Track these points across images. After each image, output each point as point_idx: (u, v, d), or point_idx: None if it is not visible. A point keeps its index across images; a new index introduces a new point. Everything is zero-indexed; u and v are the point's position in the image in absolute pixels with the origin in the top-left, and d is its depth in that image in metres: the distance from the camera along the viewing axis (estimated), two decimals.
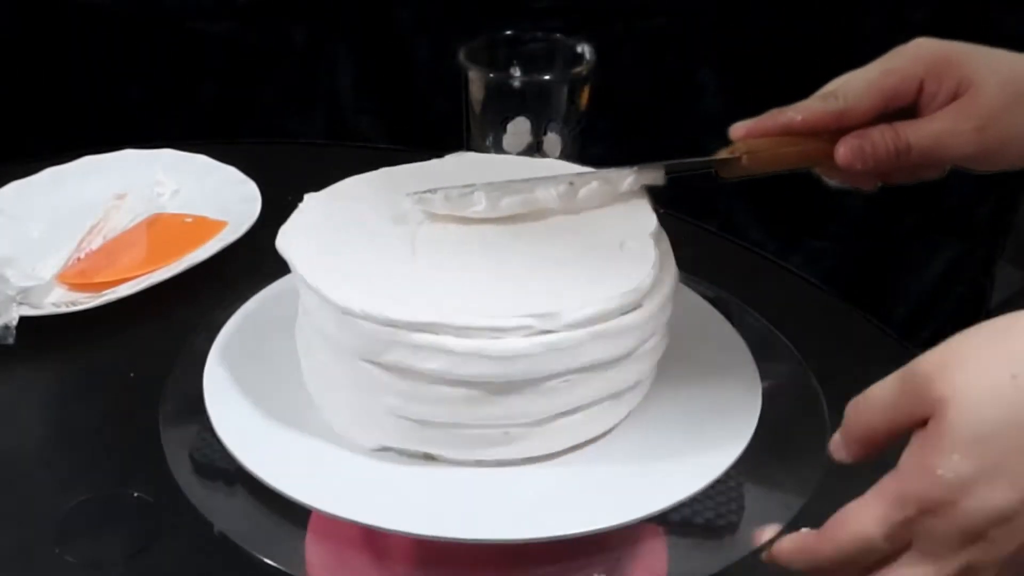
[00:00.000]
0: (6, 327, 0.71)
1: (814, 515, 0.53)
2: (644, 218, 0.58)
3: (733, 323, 0.65)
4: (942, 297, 1.30)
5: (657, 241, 0.57)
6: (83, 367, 0.72)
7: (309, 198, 0.61)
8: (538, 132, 0.77)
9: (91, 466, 0.64)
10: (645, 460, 0.55)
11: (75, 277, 0.78)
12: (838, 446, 0.46)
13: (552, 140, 0.78)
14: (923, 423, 0.42)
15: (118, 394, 0.69)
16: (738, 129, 0.59)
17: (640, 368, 0.56)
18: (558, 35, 0.79)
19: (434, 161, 0.65)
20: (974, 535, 0.41)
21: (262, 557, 0.52)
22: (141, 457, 0.60)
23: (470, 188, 0.57)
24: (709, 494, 0.55)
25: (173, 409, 0.60)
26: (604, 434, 0.57)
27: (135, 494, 0.60)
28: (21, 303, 0.73)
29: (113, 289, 0.75)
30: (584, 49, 0.78)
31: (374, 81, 1.28)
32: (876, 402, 0.44)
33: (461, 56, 0.77)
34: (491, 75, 0.76)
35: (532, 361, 0.51)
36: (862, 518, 0.43)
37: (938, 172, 0.61)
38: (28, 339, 0.71)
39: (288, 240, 0.57)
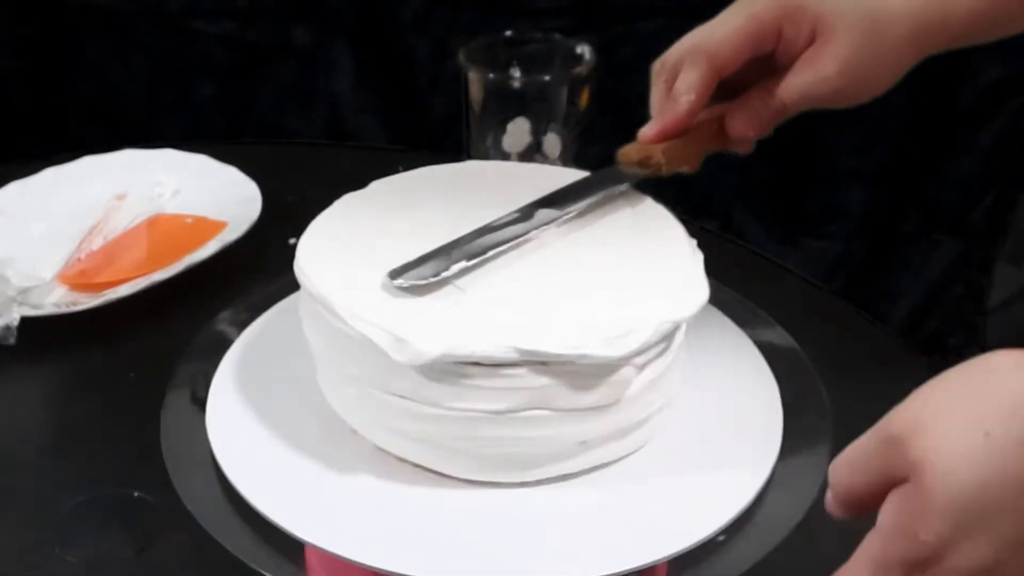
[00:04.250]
0: (7, 327, 0.71)
1: (817, 514, 0.53)
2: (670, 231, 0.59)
3: (739, 322, 0.65)
4: (942, 297, 1.30)
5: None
6: (83, 367, 0.72)
7: (315, 227, 0.60)
8: (538, 132, 0.77)
9: (91, 466, 0.64)
10: (660, 497, 0.55)
11: (75, 277, 0.78)
12: (830, 505, 0.45)
13: (552, 140, 0.78)
14: (902, 481, 0.41)
15: (118, 394, 0.69)
16: (650, 133, 0.60)
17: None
18: (558, 35, 0.79)
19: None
20: None
21: (257, 567, 0.52)
22: (141, 457, 0.60)
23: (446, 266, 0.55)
24: None
25: (174, 410, 0.60)
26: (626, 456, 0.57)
27: (135, 494, 0.60)
28: (22, 303, 0.73)
29: (113, 289, 0.75)
30: (584, 49, 0.78)
31: (374, 81, 1.28)
32: (855, 464, 0.43)
33: (461, 56, 0.77)
34: (491, 75, 0.76)
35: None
36: None
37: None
38: (29, 339, 0.71)
39: (317, 277, 0.55)
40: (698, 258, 0.57)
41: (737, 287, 0.68)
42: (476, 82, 0.77)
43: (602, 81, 0.78)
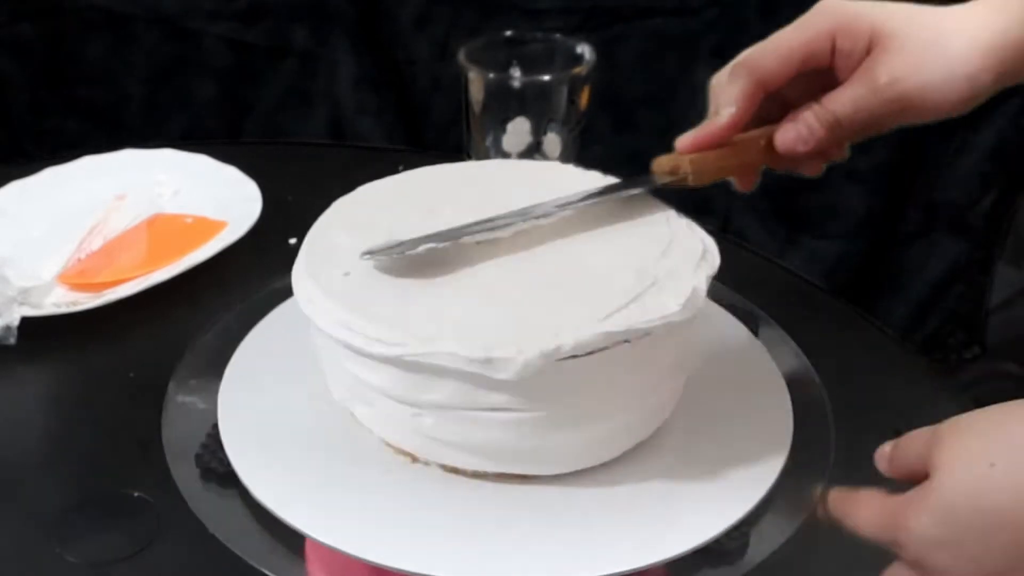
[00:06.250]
0: (7, 327, 0.71)
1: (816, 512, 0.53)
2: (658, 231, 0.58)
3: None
4: (942, 297, 1.30)
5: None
6: (83, 367, 0.72)
7: (312, 236, 0.59)
8: (538, 132, 0.77)
9: (91, 466, 0.64)
10: (663, 499, 0.55)
11: (76, 277, 0.78)
12: (884, 460, 0.50)
13: (552, 140, 0.78)
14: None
15: (118, 394, 0.69)
16: (684, 143, 0.58)
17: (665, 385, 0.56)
18: (558, 35, 0.79)
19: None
20: None
21: (256, 564, 0.52)
22: (141, 457, 0.60)
23: (422, 242, 0.55)
24: None
25: (175, 409, 0.60)
26: (631, 451, 0.57)
27: (135, 494, 0.60)
28: (22, 303, 0.73)
29: (113, 289, 0.75)
30: (584, 49, 0.78)
31: (374, 81, 1.28)
32: (909, 446, 0.48)
33: (461, 56, 0.77)
34: (491, 75, 0.76)
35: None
36: (862, 517, 0.48)
37: (875, 132, 0.59)
38: (29, 339, 0.71)
39: (309, 299, 0.55)
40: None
41: (737, 287, 0.68)
42: (476, 82, 0.77)
43: (602, 81, 0.78)
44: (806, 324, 0.67)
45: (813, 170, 0.61)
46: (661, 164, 0.59)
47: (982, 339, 1.30)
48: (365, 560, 0.51)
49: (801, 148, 0.57)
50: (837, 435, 0.59)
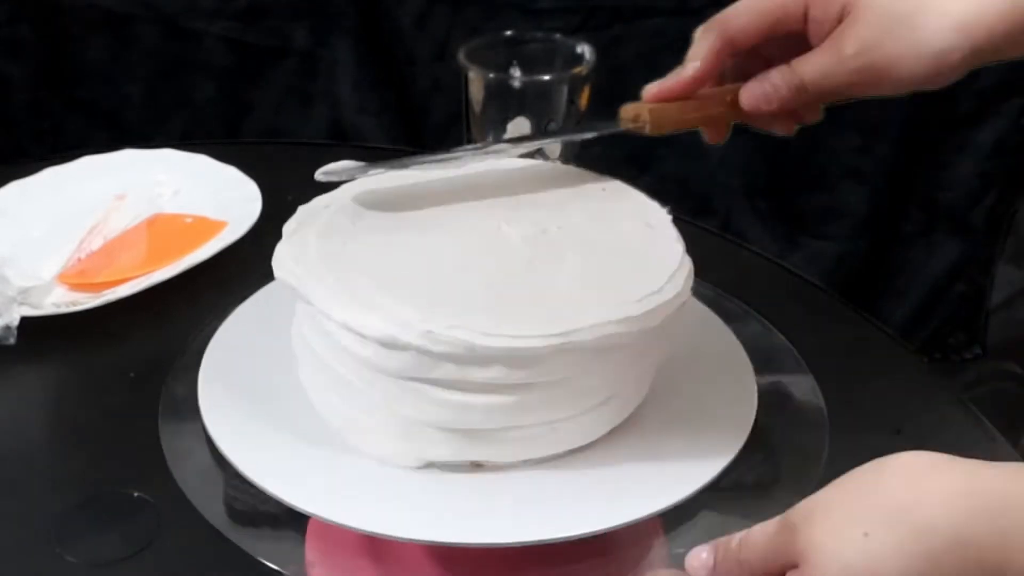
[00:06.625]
0: (7, 327, 0.71)
1: None
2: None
3: (732, 323, 0.65)
4: (942, 297, 1.30)
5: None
6: (83, 367, 0.72)
7: (299, 215, 0.61)
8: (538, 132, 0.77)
9: (91, 466, 0.64)
10: (644, 463, 0.55)
11: (75, 277, 0.78)
12: (704, 570, 0.46)
13: None
14: (794, 566, 0.43)
15: (118, 394, 0.69)
16: (650, 92, 0.61)
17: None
18: (558, 35, 0.79)
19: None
20: None
21: (261, 559, 0.52)
22: (141, 457, 0.60)
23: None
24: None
25: (173, 409, 0.60)
26: (605, 435, 0.57)
27: (135, 494, 0.60)
28: (22, 303, 0.73)
29: (113, 289, 0.75)
30: (584, 49, 0.78)
31: (374, 81, 1.28)
32: (755, 544, 0.44)
33: (461, 56, 0.77)
34: (491, 75, 0.76)
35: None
36: None
37: (845, 99, 0.60)
38: (29, 339, 0.71)
39: (290, 268, 0.56)
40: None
41: (737, 287, 0.68)
42: (476, 82, 0.76)
43: (602, 81, 0.78)
44: (806, 324, 0.67)
45: (785, 128, 0.62)
46: (627, 111, 0.61)
47: (982, 339, 1.30)
48: (364, 531, 0.51)
49: (765, 107, 0.59)
50: (837, 436, 0.59)
